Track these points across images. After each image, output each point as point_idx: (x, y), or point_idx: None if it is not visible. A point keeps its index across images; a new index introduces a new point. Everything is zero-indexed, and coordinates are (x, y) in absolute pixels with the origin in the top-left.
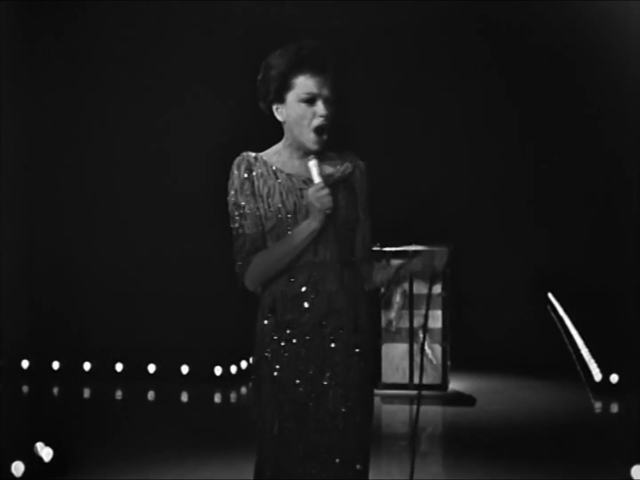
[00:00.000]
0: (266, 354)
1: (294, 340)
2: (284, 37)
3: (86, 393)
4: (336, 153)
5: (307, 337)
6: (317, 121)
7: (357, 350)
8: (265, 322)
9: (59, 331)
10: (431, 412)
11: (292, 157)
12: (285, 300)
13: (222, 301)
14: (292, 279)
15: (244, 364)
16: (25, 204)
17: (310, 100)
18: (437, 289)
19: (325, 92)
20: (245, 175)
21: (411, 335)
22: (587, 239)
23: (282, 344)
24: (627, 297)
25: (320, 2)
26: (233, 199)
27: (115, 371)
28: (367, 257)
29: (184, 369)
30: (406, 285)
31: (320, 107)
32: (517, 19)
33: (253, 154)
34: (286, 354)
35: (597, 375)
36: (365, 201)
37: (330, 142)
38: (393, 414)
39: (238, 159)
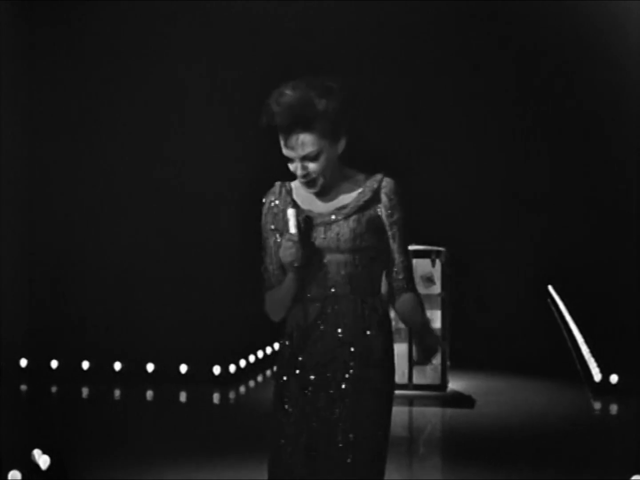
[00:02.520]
0: (281, 381)
1: (306, 370)
2: (290, 39)
3: (84, 392)
4: (362, 176)
5: (319, 368)
6: (301, 179)
7: (368, 385)
8: (284, 349)
9: (57, 330)
10: (430, 414)
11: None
12: (300, 330)
13: (221, 301)
14: (306, 310)
15: (242, 363)
16: (24, 205)
17: (289, 159)
18: (437, 289)
19: (300, 152)
20: (267, 207)
21: (410, 336)
22: (588, 239)
23: (296, 371)
24: (627, 297)
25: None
26: (262, 231)
27: (113, 370)
28: (403, 288)
29: (183, 368)
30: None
31: (297, 168)
32: (520, 23)
33: (280, 183)
34: (298, 383)
35: (597, 376)
36: (397, 224)
37: (350, 157)
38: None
39: (271, 189)
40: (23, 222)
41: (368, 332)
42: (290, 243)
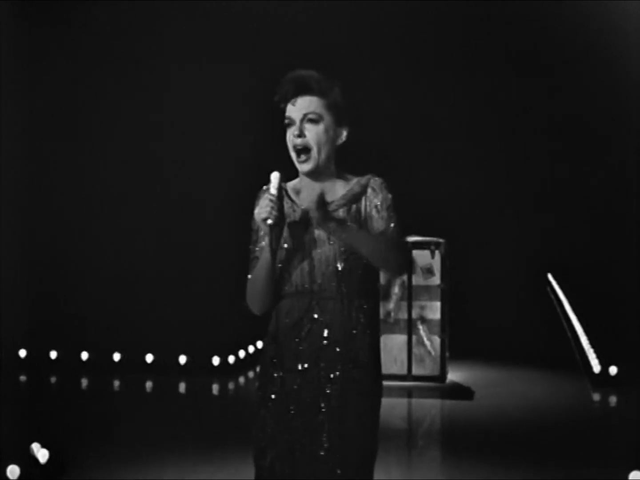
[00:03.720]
0: (264, 380)
1: (291, 371)
2: (290, 39)
3: (84, 383)
4: (355, 178)
5: (304, 368)
6: (294, 141)
7: (354, 386)
8: (268, 348)
9: (56, 321)
10: (429, 405)
11: (302, 185)
12: (285, 328)
13: (219, 292)
14: (292, 307)
15: (242, 354)
16: (25, 196)
17: (290, 125)
18: (436, 280)
19: (303, 110)
20: (261, 195)
21: (409, 327)
22: (588, 233)
23: (280, 372)
24: (627, 289)
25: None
26: (253, 223)
27: (113, 361)
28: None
29: (182, 359)
30: (405, 277)
31: (295, 129)
32: (520, 23)
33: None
34: (282, 383)
35: (596, 367)
36: (385, 209)
37: (346, 161)
38: (390, 407)
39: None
40: (24, 215)
41: (354, 332)
42: (267, 201)
